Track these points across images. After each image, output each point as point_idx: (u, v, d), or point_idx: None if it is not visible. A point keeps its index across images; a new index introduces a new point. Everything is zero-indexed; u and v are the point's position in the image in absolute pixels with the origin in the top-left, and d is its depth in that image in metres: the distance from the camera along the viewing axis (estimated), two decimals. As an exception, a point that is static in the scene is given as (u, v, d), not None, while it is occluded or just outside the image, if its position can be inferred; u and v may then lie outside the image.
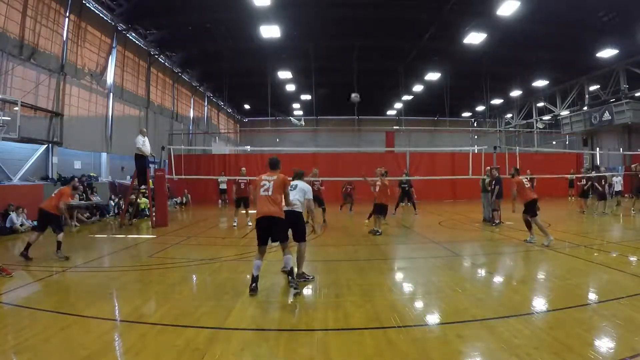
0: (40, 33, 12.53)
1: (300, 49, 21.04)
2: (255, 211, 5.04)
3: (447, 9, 15.72)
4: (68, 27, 13.97)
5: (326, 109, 31.19)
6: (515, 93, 27.51)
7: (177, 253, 7.65)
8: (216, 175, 19.10)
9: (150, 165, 12.70)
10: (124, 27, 17.31)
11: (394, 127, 29.49)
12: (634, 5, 14.91)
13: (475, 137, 30.37)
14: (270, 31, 16.20)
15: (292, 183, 5.41)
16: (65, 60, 13.82)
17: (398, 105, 30.68)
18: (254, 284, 4.66)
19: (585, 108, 23.83)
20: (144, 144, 11.39)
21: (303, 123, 32.80)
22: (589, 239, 8.55)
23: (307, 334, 3.55)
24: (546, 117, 29.22)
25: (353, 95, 22.43)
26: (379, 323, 3.72)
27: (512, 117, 32.92)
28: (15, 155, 12.22)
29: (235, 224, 10.89)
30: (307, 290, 4.88)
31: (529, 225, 7.90)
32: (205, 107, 30.15)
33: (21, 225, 10.23)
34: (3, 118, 10.57)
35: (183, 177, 15.09)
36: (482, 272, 6.02)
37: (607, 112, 21.55)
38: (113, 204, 14.33)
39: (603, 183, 12.90)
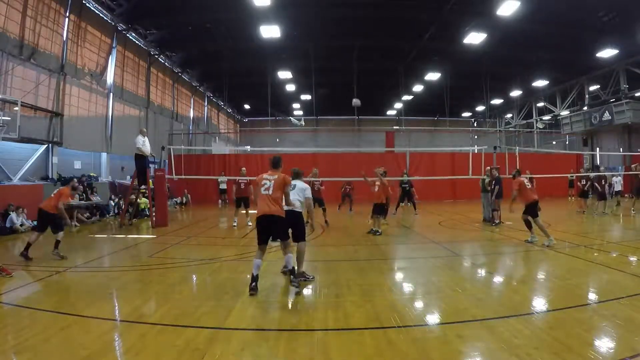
0: (40, 33, 12.52)
1: (300, 49, 21.04)
2: (255, 211, 5.05)
3: (447, 9, 15.72)
4: (68, 27, 13.96)
5: (326, 109, 31.19)
6: (515, 93, 27.51)
7: (177, 253, 7.65)
8: (216, 175, 19.11)
9: (150, 165, 12.70)
10: (124, 27, 17.31)
11: (394, 127, 29.49)
12: (634, 5, 14.91)
13: (475, 137, 30.36)
14: (270, 31, 16.20)
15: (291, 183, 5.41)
16: (65, 60, 13.81)
17: (398, 105, 30.67)
18: (253, 283, 4.66)
19: (585, 108, 23.83)
20: (144, 144, 11.39)
21: (303, 123, 32.79)
22: (589, 239, 8.55)
23: (307, 334, 3.55)
24: (546, 117, 29.22)
25: (354, 100, 22.63)
26: (379, 323, 3.72)
27: (512, 117, 32.92)
28: (15, 155, 12.22)
29: (235, 224, 10.90)
30: (307, 290, 4.88)
31: (529, 225, 7.89)
32: (205, 107, 30.15)
33: (21, 225, 10.23)
34: (3, 118, 10.56)
35: (183, 177, 15.09)
36: (482, 272, 6.02)
37: (607, 112, 21.55)
38: (113, 204, 14.34)
39: (603, 183, 12.90)
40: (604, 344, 3.22)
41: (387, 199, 11.34)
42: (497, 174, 10.83)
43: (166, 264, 6.56)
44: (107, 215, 13.60)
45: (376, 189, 9.64)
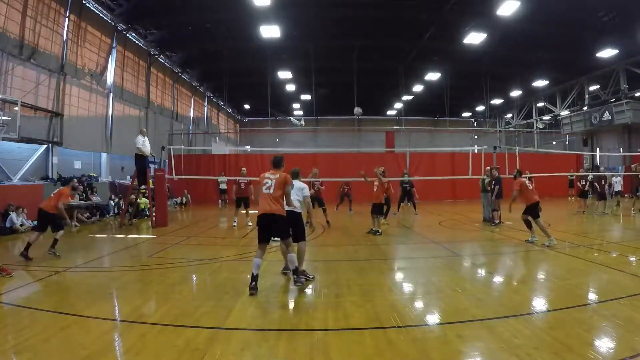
0: (40, 33, 12.52)
1: (300, 49, 21.04)
2: (255, 211, 5.06)
3: (447, 9, 15.72)
4: (68, 27, 13.96)
5: (326, 109, 31.18)
6: (515, 93, 27.51)
7: (177, 253, 7.65)
8: (216, 175, 19.11)
9: (150, 165, 12.70)
10: (124, 27, 17.31)
11: (394, 127, 29.48)
12: (634, 5, 14.91)
13: (475, 137, 30.36)
14: (270, 31, 16.20)
15: None
16: (65, 60, 13.81)
17: (398, 105, 30.67)
18: (253, 283, 4.67)
19: (585, 108, 23.82)
20: (144, 144, 11.39)
21: (303, 123, 32.75)
22: (589, 239, 8.55)
23: (307, 334, 3.55)
24: (546, 117, 29.22)
25: (356, 109, 22.77)
26: (379, 323, 3.72)
27: (512, 117, 32.92)
28: (15, 155, 12.22)
29: (235, 224, 10.90)
30: (307, 290, 4.88)
31: (529, 225, 7.89)
32: (205, 107, 30.15)
33: (21, 225, 10.23)
34: (3, 118, 10.56)
35: (183, 177, 15.08)
36: (482, 272, 6.02)
37: (607, 112, 21.54)
38: (113, 204, 14.34)
39: (603, 183, 12.90)
40: (604, 344, 3.22)
41: (388, 198, 11.34)
42: (497, 174, 10.83)
43: (166, 264, 6.57)
44: (107, 215, 13.60)
45: (375, 189, 9.65)
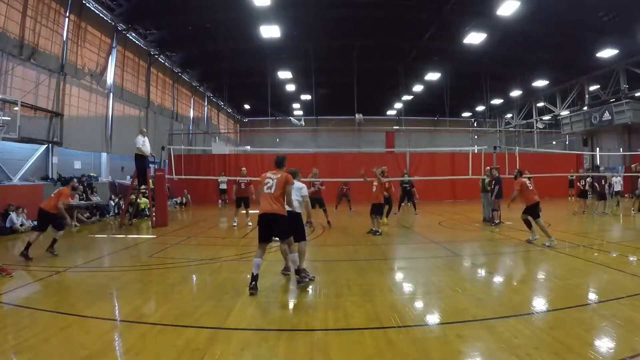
0: (40, 33, 12.52)
1: (300, 49, 21.04)
2: (255, 211, 5.07)
3: (447, 9, 15.73)
4: (68, 27, 13.97)
5: (326, 109, 31.18)
6: (515, 93, 27.51)
7: (177, 253, 7.65)
8: (216, 175, 19.10)
9: (150, 165, 12.70)
10: (124, 27, 17.31)
11: (394, 127, 29.48)
12: (634, 5, 14.91)
13: (475, 137, 30.36)
14: (270, 31, 16.20)
15: None
16: (65, 60, 13.82)
17: (398, 105, 30.66)
18: (253, 283, 4.67)
19: (585, 108, 23.82)
20: (144, 144, 11.39)
21: (303, 123, 32.79)
22: (589, 239, 8.55)
23: (307, 334, 3.55)
24: (546, 117, 29.22)
25: (357, 116, 22.82)
26: (379, 323, 3.72)
27: (512, 117, 32.92)
28: (15, 155, 12.22)
29: (235, 224, 10.90)
30: (307, 290, 4.89)
31: (528, 225, 7.88)
32: (205, 107, 30.15)
33: (21, 225, 10.23)
34: (3, 118, 10.57)
35: (183, 177, 15.08)
36: (482, 272, 6.02)
37: (607, 112, 21.54)
38: (113, 204, 14.34)
39: (603, 183, 12.90)
40: (604, 344, 3.22)
41: (390, 198, 11.34)
42: (497, 174, 10.83)
43: (166, 264, 6.57)
44: (107, 215, 13.60)
45: (374, 189, 9.65)
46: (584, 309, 4.08)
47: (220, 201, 18.98)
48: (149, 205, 12.90)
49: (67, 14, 13.92)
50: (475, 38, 16.83)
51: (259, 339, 3.46)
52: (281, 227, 4.96)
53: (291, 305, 4.51)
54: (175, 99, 24.18)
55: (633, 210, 13.07)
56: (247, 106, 35.14)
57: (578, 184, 13.87)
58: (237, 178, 11.52)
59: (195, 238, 9.47)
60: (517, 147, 17.37)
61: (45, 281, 5.46)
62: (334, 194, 15.20)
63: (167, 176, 12.75)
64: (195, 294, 5.02)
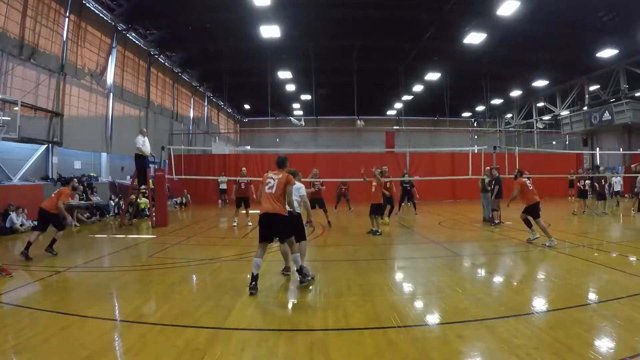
0: (40, 33, 12.52)
1: (300, 49, 21.04)
2: (255, 211, 5.07)
3: (447, 9, 15.73)
4: (68, 27, 13.96)
5: (326, 109, 31.20)
6: (515, 93, 27.52)
7: (177, 253, 7.65)
8: (216, 175, 19.09)
9: (150, 165, 12.70)
10: (124, 27, 17.30)
11: (394, 127, 29.49)
12: (634, 5, 14.92)
13: (475, 137, 30.37)
14: (270, 31, 16.19)
15: None
16: (65, 60, 13.81)
17: (398, 105, 30.67)
18: (253, 283, 4.67)
19: (585, 108, 23.83)
20: (144, 144, 11.40)
21: (303, 123, 32.78)
22: (589, 239, 8.56)
23: (307, 334, 3.55)
24: (546, 117, 29.22)
25: (358, 122, 22.83)
26: (379, 323, 3.72)
27: (512, 117, 32.92)
28: (15, 155, 12.22)
29: (235, 224, 10.90)
30: (307, 290, 4.89)
31: (528, 224, 7.88)
32: (205, 107, 30.15)
33: (21, 225, 10.22)
34: (3, 118, 10.56)
35: (183, 177, 15.09)
36: (482, 272, 6.02)
37: (607, 112, 21.55)
38: (113, 204, 14.34)
39: (603, 183, 12.90)
40: (604, 344, 3.22)
41: (391, 197, 11.33)
42: (497, 174, 10.83)
43: (166, 264, 6.57)
44: (107, 215, 13.59)
45: (373, 189, 9.65)
46: (584, 309, 4.08)
47: (220, 201, 18.98)
48: (149, 205, 12.90)
49: (67, 14, 13.92)
50: (475, 38, 16.82)
51: (259, 339, 3.46)
52: (282, 227, 4.97)
53: (291, 305, 4.51)
54: (175, 99, 24.18)
55: (633, 210, 13.06)
56: (247, 106, 35.13)
57: (578, 184, 13.88)
58: (237, 178, 11.52)
59: (195, 238, 9.46)
60: (517, 147, 17.36)
61: (45, 281, 5.46)
62: (333, 194, 15.20)
63: (167, 176, 12.75)
64: (195, 294, 5.02)
